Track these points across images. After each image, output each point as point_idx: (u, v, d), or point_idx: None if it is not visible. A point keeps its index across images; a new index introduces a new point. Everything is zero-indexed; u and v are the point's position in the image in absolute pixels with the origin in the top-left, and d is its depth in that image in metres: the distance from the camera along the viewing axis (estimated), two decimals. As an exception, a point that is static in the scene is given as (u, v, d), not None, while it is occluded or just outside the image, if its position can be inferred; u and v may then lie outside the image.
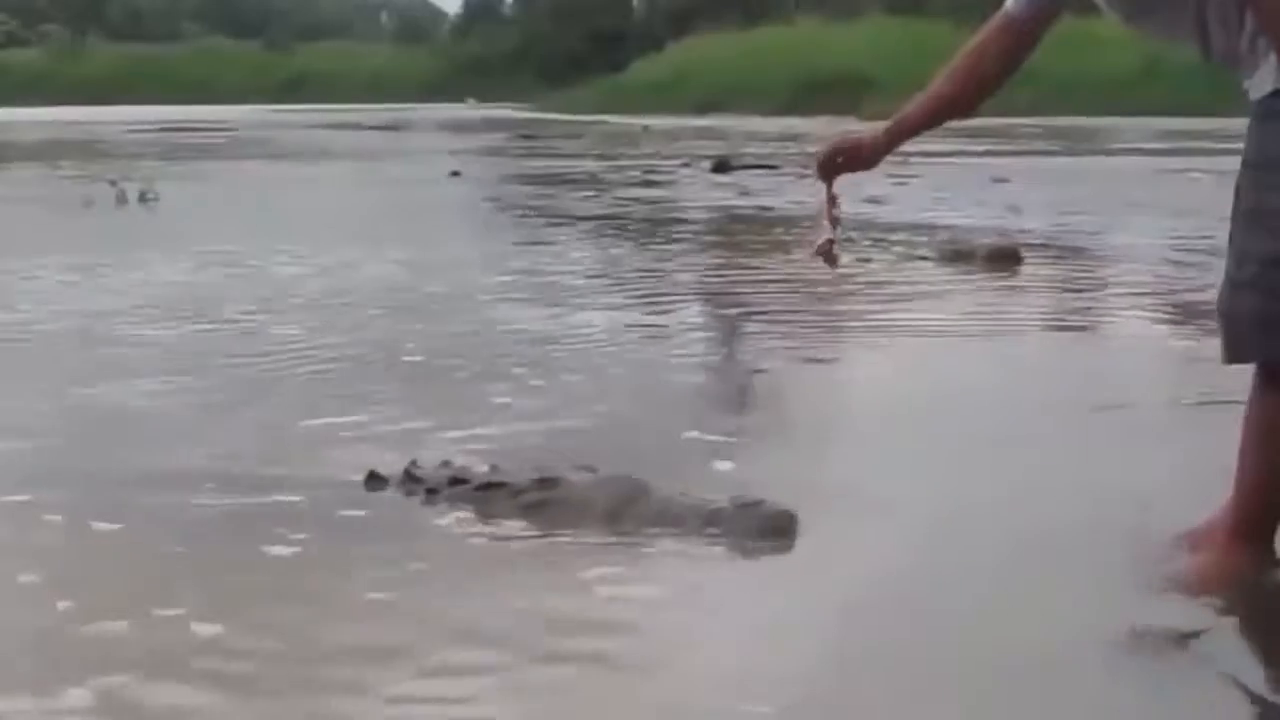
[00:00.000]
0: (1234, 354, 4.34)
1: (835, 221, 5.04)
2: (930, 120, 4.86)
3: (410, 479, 5.37)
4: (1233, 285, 4.28)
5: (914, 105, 4.85)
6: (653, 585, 4.46)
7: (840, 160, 4.97)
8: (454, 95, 73.67)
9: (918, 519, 5.07)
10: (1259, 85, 4.22)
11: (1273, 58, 4.14)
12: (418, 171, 25.14)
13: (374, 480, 5.41)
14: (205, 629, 4.09)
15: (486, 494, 5.17)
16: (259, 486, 5.47)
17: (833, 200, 5.04)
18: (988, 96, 4.88)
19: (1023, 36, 4.73)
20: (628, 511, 4.96)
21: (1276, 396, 4.29)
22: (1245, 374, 4.37)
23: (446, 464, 5.43)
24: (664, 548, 4.75)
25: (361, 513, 5.18)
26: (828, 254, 5.03)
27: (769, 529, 4.84)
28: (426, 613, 4.22)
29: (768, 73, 56.37)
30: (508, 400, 7.04)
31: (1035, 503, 5.30)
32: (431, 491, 5.26)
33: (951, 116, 4.89)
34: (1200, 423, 6.26)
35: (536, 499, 5.08)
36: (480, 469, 5.37)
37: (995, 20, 4.71)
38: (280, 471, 5.65)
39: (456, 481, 5.27)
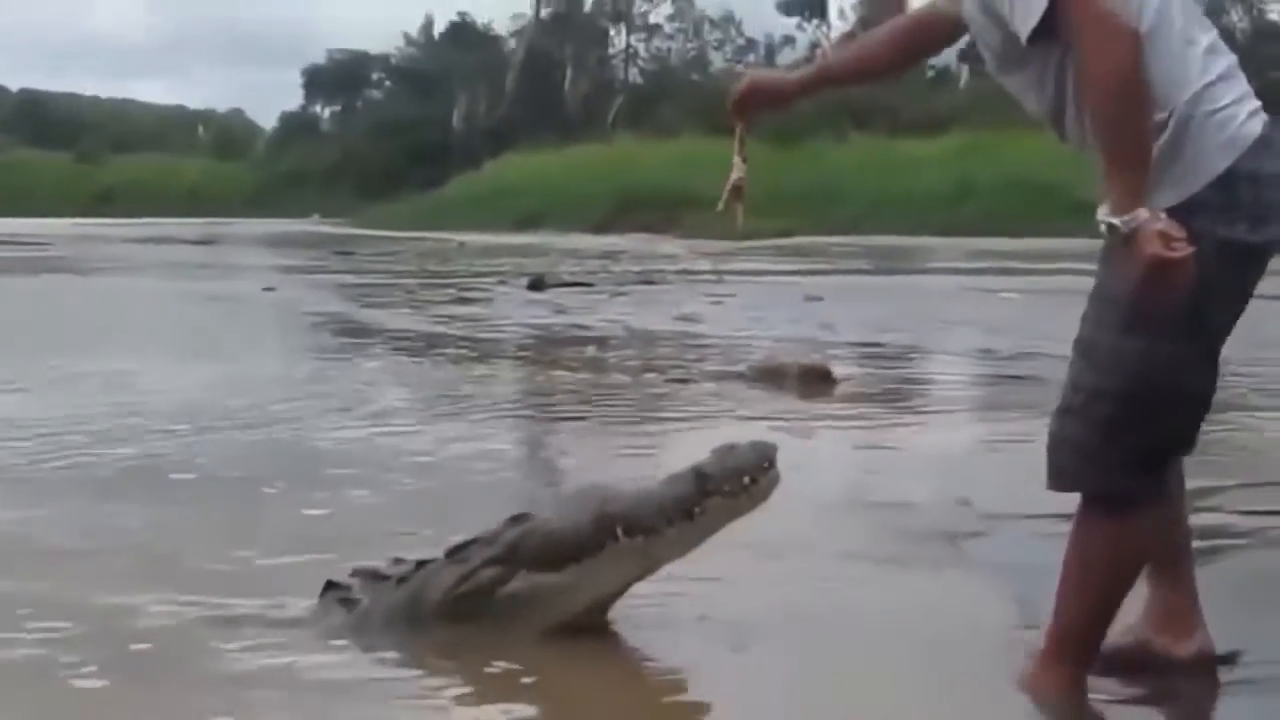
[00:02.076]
0: (1056, 481, 4.32)
1: (744, 159, 5.04)
2: (850, 79, 5.15)
3: (375, 577, 5.03)
4: (1061, 412, 4.28)
5: (838, 61, 5.07)
6: None
7: (756, 98, 5.03)
8: (272, 210, 73.08)
9: (744, 624, 5.08)
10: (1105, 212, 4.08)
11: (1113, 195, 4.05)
12: (232, 287, 24.85)
13: (333, 588, 5.05)
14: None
15: (464, 553, 4.89)
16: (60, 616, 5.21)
17: (742, 140, 5.04)
18: (902, 72, 5.10)
19: (947, 29, 4.81)
20: (615, 514, 4.80)
21: (1099, 527, 4.26)
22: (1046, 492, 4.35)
23: (399, 560, 5.10)
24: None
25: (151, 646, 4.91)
26: (738, 192, 5.08)
27: (761, 457, 4.80)
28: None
29: (586, 190, 56.64)
30: (327, 513, 6.97)
31: (857, 608, 5.36)
32: (402, 580, 4.93)
33: (868, 80, 5.20)
34: (1013, 539, 6.37)
35: (515, 536, 4.85)
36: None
37: (925, 9, 4.85)
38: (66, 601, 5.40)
39: (422, 564, 4.96)
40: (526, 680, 4.59)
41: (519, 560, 4.80)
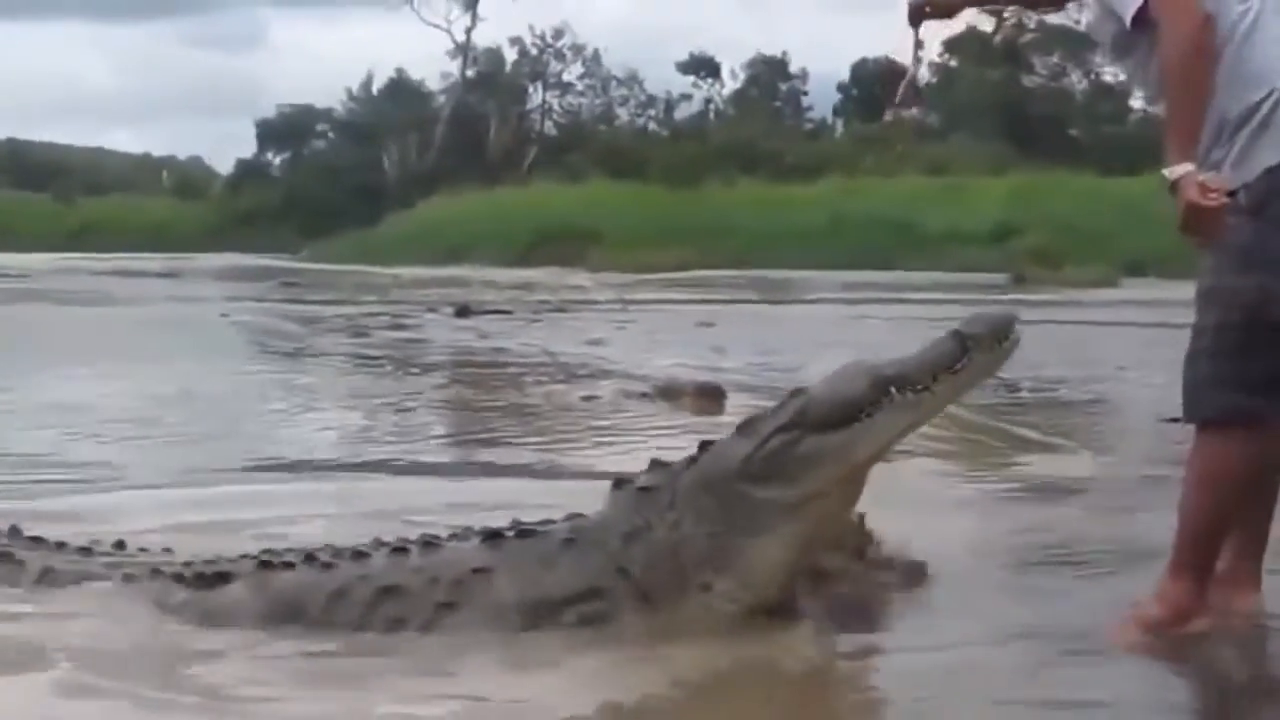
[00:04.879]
0: (1190, 413, 4.66)
1: (918, 63, 5.32)
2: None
3: (660, 465, 5.05)
4: (1191, 355, 4.62)
5: None
6: None
7: (927, 9, 5.24)
8: (228, 245, 72.25)
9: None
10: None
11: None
12: (191, 314, 24.61)
13: (623, 484, 5.05)
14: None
15: (751, 426, 4.93)
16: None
17: (919, 44, 5.28)
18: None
19: None
20: (889, 376, 4.85)
21: (1210, 449, 4.59)
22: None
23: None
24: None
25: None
26: (913, 94, 5.26)
27: (1007, 321, 4.89)
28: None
29: (506, 228, 56.45)
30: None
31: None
32: (693, 461, 4.96)
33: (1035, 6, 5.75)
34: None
35: (801, 404, 4.90)
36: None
37: None
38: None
39: (707, 444, 5.03)
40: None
41: (807, 424, 4.83)
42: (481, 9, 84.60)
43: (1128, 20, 4.54)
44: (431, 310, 25.53)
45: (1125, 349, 16.04)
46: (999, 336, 4.84)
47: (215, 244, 73.82)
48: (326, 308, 27.06)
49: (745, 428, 4.97)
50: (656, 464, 5.09)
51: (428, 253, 55.42)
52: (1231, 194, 4.39)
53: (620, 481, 5.09)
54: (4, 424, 10.37)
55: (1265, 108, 4.44)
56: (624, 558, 4.84)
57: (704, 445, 5.03)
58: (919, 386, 4.81)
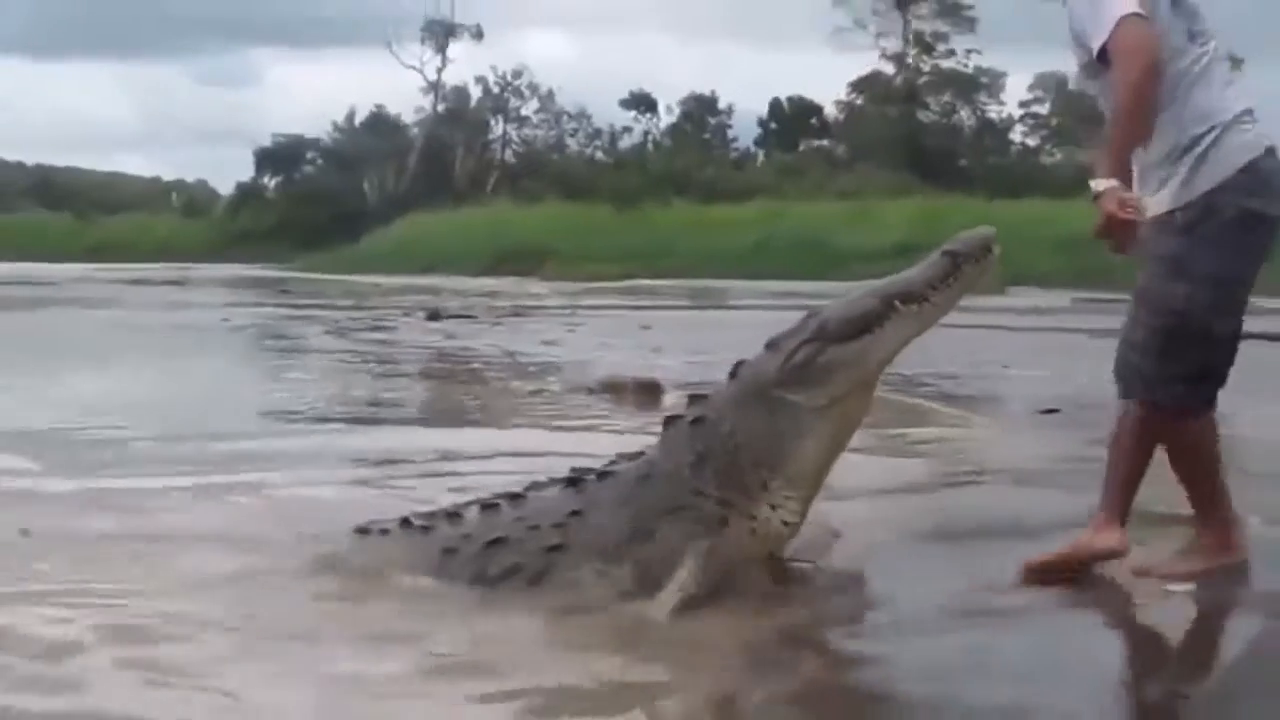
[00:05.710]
0: (1123, 392, 4.95)
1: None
2: None
3: (698, 397, 5.23)
4: (1124, 344, 4.90)
5: None
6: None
7: None
8: (229, 258, 71.70)
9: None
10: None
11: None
12: (195, 318, 24.37)
13: (673, 420, 5.16)
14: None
15: (777, 345, 5.10)
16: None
17: None
18: None
19: None
20: (893, 292, 4.97)
21: (1156, 423, 4.88)
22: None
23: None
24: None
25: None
26: None
27: (988, 238, 5.00)
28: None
29: (472, 243, 56.34)
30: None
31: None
32: (733, 375, 5.16)
33: None
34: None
35: (819, 321, 5.06)
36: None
37: None
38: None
39: (741, 363, 5.19)
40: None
41: (827, 337, 4.96)
42: (451, 52, 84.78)
43: (1094, 52, 4.70)
44: (406, 314, 25.43)
45: (1009, 349, 16.08)
46: (982, 251, 4.95)
47: (217, 257, 73.36)
48: (316, 311, 26.84)
49: (772, 345, 5.09)
50: (697, 397, 5.20)
51: (404, 265, 55.23)
52: (1171, 213, 4.68)
53: (671, 419, 5.16)
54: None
55: (1206, 141, 4.69)
56: (698, 481, 4.88)
57: (738, 365, 5.16)
58: (920, 299, 4.90)
